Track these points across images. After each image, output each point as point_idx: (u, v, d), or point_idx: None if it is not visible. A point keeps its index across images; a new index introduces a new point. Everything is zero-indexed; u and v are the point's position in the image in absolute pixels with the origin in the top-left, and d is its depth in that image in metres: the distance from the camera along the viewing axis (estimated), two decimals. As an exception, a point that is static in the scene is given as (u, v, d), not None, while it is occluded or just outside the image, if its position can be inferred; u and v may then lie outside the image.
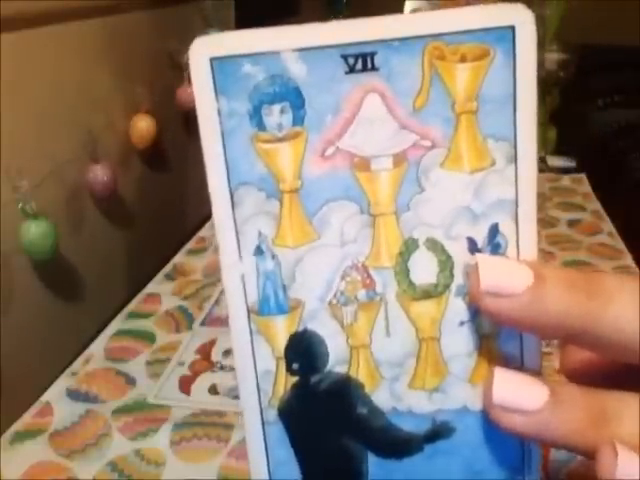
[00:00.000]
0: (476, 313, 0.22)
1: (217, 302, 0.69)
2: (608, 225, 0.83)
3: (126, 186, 0.92)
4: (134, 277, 0.84)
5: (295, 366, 0.23)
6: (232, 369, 0.57)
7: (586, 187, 0.96)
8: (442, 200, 0.22)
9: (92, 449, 0.48)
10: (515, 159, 0.21)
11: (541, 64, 1.08)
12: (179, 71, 1.01)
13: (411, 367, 0.23)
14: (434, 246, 0.22)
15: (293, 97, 0.21)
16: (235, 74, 0.20)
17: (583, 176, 1.00)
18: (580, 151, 1.11)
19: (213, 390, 0.55)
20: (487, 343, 0.23)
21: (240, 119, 0.21)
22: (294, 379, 0.23)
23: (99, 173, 0.79)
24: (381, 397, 0.23)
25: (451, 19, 0.20)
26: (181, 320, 0.66)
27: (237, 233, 0.22)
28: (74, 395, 0.54)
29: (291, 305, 0.22)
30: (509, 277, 0.20)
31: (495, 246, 0.22)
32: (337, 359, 0.23)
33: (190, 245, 0.84)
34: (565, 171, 1.03)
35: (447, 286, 0.22)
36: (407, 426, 0.23)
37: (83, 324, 0.73)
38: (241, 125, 0.21)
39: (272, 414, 0.23)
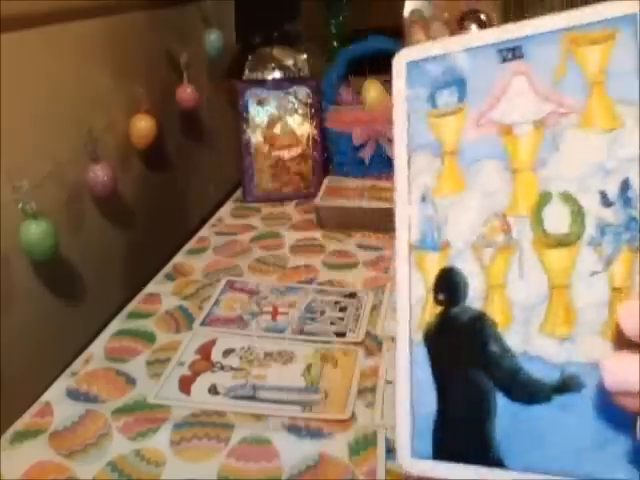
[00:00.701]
0: (608, 264, 0.24)
1: (217, 302, 0.69)
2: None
3: (126, 186, 0.92)
4: (134, 277, 0.84)
5: (441, 296, 0.27)
6: (232, 369, 0.57)
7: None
8: (576, 157, 0.25)
9: (92, 449, 0.48)
10: None
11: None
12: (179, 71, 1.01)
13: (542, 312, 0.25)
14: (568, 198, 0.24)
15: (459, 84, 0.27)
16: (421, 71, 0.28)
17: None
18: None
19: (213, 390, 0.55)
20: (619, 297, 0.23)
21: (421, 102, 0.28)
22: (439, 308, 0.27)
23: (99, 173, 0.79)
24: (513, 338, 0.25)
25: (583, 14, 0.25)
26: (181, 320, 0.66)
27: (409, 184, 0.28)
28: (74, 395, 0.54)
29: (442, 245, 0.27)
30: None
31: (627, 200, 0.24)
32: (475, 295, 0.26)
33: (190, 245, 0.84)
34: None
35: (579, 236, 0.24)
36: (536, 372, 0.24)
37: (83, 324, 0.73)
38: (421, 106, 0.28)
39: (419, 336, 0.27)
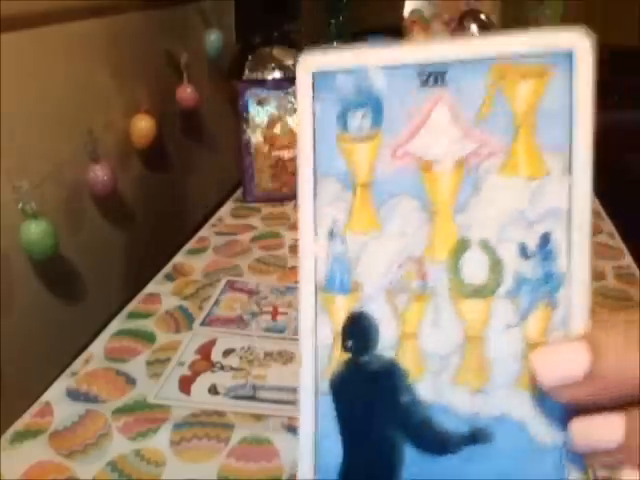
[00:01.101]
0: (523, 318, 0.23)
1: (217, 302, 0.69)
2: (608, 225, 0.83)
3: (126, 186, 0.92)
4: (134, 277, 0.84)
5: (349, 343, 0.25)
6: (232, 369, 0.57)
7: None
8: (497, 205, 0.23)
9: (92, 449, 0.48)
10: (570, 170, 0.23)
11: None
12: (179, 71, 1.01)
13: (456, 363, 0.24)
14: (486, 248, 0.23)
15: (374, 105, 0.24)
16: (330, 85, 0.24)
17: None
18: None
19: (213, 390, 0.55)
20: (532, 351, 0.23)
21: (329, 121, 0.24)
22: (346, 356, 0.25)
23: (99, 173, 0.79)
24: (424, 389, 0.24)
25: (515, 42, 0.23)
26: (181, 320, 0.66)
27: (315, 217, 0.25)
28: (74, 395, 0.54)
29: (353, 286, 0.25)
30: (565, 366, 0.20)
31: (546, 254, 0.23)
32: (387, 344, 0.24)
33: (190, 245, 0.84)
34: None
35: (496, 288, 0.23)
36: (447, 424, 0.24)
37: (83, 324, 0.73)
38: (330, 126, 0.24)
39: (325, 385, 0.25)
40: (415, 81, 0.24)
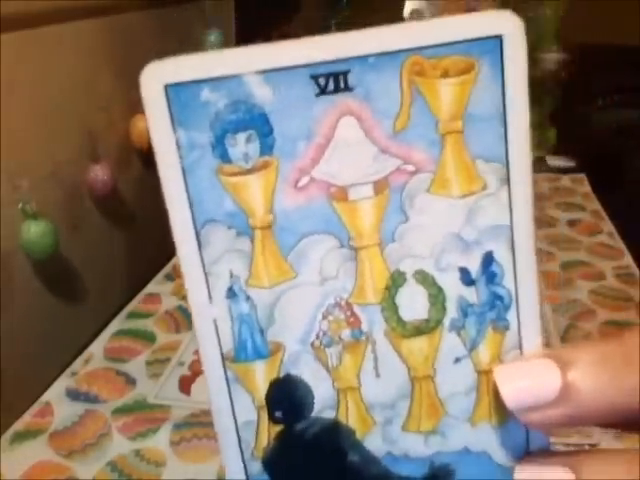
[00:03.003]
0: (472, 348, 0.21)
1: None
2: (608, 225, 0.83)
3: (126, 186, 0.92)
4: (134, 277, 0.84)
5: (278, 414, 0.21)
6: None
7: (586, 187, 0.96)
8: (430, 228, 0.20)
9: (92, 449, 0.48)
10: (508, 181, 0.20)
11: (534, 64, 1.08)
12: (179, 71, 1.01)
13: (404, 409, 0.21)
14: (424, 279, 0.20)
15: (259, 124, 0.19)
16: (193, 102, 0.19)
17: (583, 176, 1.00)
18: (580, 151, 1.11)
19: (213, 390, 0.55)
20: (486, 379, 0.21)
21: (202, 151, 0.19)
22: (278, 428, 0.21)
23: (99, 173, 0.79)
24: (374, 442, 0.21)
25: (431, 30, 0.19)
26: (181, 320, 0.66)
27: (206, 275, 0.20)
28: (74, 395, 0.54)
29: (271, 349, 0.21)
30: (533, 386, 0.18)
31: (490, 275, 0.20)
32: (324, 404, 0.21)
33: (190, 245, 0.84)
34: (565, 171, 1.03)
35: (439, 321, 0.21)
36: (404, 471, 0.22)
37: (83, 324, 0.73)
38: (203, 158, 0.19)
39: (256, 466, 0.21)
40: (310, 87, 0.19)
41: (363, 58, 0.18)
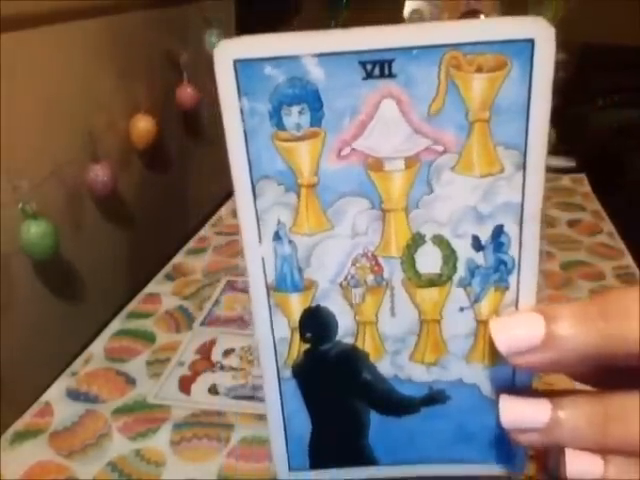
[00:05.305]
0: (475, 302, 0.25)
1: (217, 302, 0.69)
2: (608, 225, 0.83)
3: (126, 186, 0.92)
4: (134, 277, 0.84)
5: (308, 335, 0.26)
6: (232, 369, 0.57)
7: (586, 187, 0.96)
8: (451, 200, 0.23)
9: (92, 449, 0.48)
10: (524, 167, 0.23)
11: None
12: (179, 71, 1.01)
13: (412, 343, 0.25)
14: (440, 242, 0.24)
15: (311, 99, 0.22)
16: (257, 76, 0.22)
17: (583, 176, 1.00)
18: (580, 151, 1.10)
19: (213, 390, 0.55)
20: (484, 327, 0.25)
21: (261, 118, 0.22)
22: (306, 346, 0.26)
23: (99, 173, 0.79)
24: (384, 366, 0.26)
25: (470, 30, 0.21)
26: (181, 320, 0.66)
27: (258, 221, 0.24)
28: (74, 395, 0.54)
29: (306, 284, 0.25)
30: (522, 334, 0.22)
31: (498, 244, 0.24)
32: (346, 332, 0.26)
33: (190, 245, 0.84)
34: (565, 171, 1.03)
35: (450, 277, 0.24)
36: (407, 392, 0.26)
37: (83, 324, 0.73)
38: (262, 124, 0.22)
39: (287, 372, 0.26)
40: (358, 71, 0.21)
41: (407, 49, 0.21)
